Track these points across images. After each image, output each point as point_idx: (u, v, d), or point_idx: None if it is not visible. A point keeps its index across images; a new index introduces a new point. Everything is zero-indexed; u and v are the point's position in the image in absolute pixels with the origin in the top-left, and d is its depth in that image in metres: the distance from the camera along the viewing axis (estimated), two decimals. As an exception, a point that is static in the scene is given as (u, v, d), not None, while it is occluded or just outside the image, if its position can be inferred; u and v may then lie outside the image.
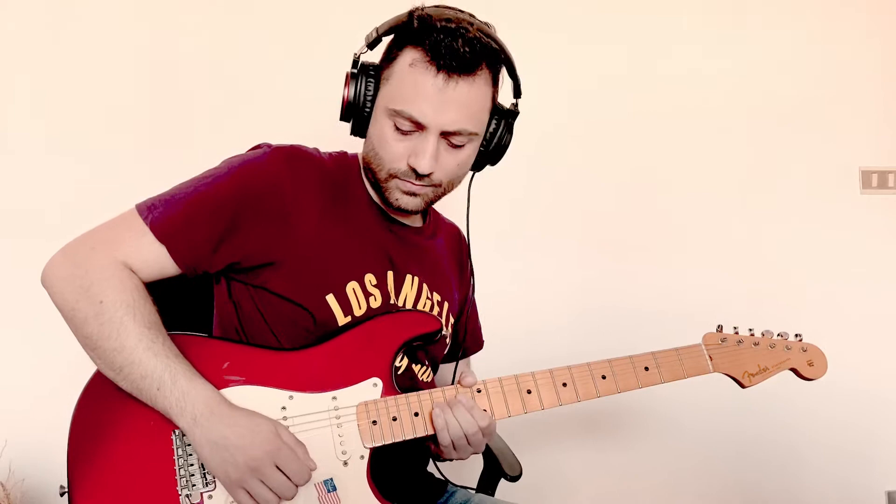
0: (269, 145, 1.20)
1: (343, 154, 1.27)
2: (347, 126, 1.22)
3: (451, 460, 1.23)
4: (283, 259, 1.14)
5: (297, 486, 1.04)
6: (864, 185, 2.39)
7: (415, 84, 1.11)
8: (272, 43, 2.09)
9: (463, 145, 1.17)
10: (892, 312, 2.37)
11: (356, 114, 1.18)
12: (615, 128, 2.28)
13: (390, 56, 1.15)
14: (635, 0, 2.31)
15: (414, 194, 1.18)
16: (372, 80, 1.16)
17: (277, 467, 1.03)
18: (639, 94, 2.29)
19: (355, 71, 1.17)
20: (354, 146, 1.25)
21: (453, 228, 1.44)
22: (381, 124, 1.15)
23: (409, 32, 1.13)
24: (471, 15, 1.18)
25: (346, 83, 1.17)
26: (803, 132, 2.37)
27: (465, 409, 1.13)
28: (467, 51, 1.10)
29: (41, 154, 1.97)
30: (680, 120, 2.31)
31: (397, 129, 1.14)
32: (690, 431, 2.27)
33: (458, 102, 1.12)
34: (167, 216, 1.10)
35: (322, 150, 1.25)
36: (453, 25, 1.11)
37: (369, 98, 1.16)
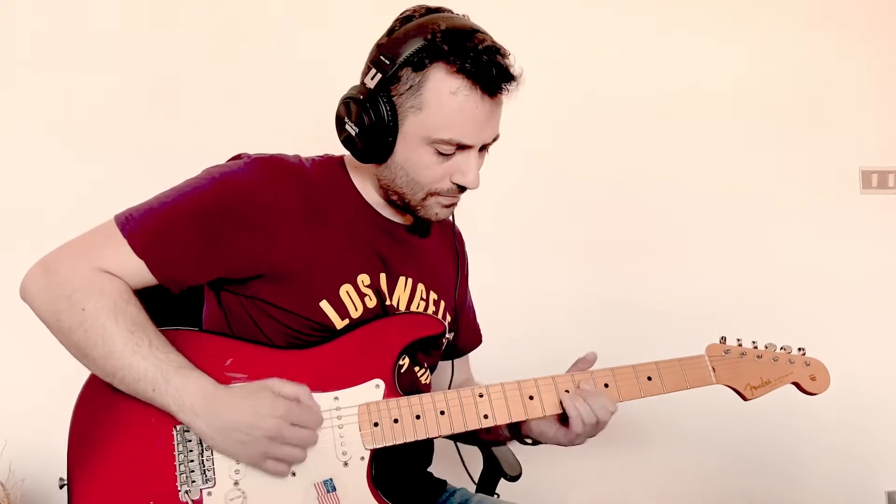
0: (248, 155, 1.18)
1: (327, 157, 1.25)
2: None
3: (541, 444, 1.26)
4: (271, 271, 1.13)
5: (316, 433, 1.06)
6: (864, 185, 2.39)
7: (460, 111, 1.09)
8: (271, 44, 2.09)
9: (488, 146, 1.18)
10: (891, 312, 2.37)
11: (372, 144, 1.12)
12: (615, 128, 2.28)
13: (410, 81, 1.09)
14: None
15: (453, 205, 1.19)
16: (389, 109, 1.10)
17: (294, 424, 1.04)
18: (638, 93, 2.29)
19: (368, 104, 1.10)
20: (343, 149, 1.23)
21: (446, 222, 1.41)
22: (418, 152, 1.12)
23: (436, 55, 1.07)
24: (464, 16, 1.15)
25: (352, 116, 1.12)
26: (803, 132, 2.37)
27: (600, 397, 1.16)
28: (505, 69, 1.09)
29: (40, 155, 1.97)
30: (680, 120, 2.31)
31: (439, 154, 1.12)
32: (691, 432, 2.28)
33: (497, 116, 1.14)
34: (145, 229, 1.08)
35: (304, 155, 1.23)
36: (483, 45, 1.07)
37: (389, 127, 1.11)
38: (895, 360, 2.36)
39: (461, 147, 1.12)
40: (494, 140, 1.17)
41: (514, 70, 1.10)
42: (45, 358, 1.81)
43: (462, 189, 1.16)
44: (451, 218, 1.33)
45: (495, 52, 1.08)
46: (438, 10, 1.14)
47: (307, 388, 1.08)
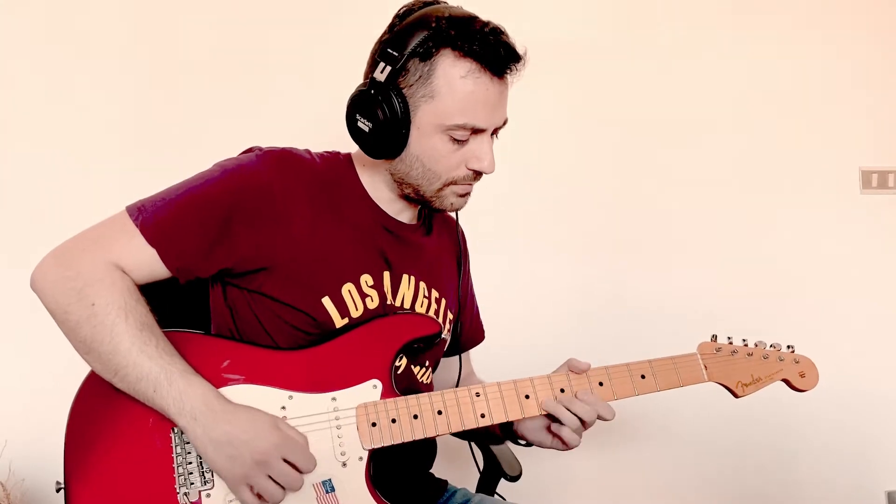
0: (259, 148, 1.19)
1: (335, 154, 1.26)
2: (344, 124, 1.18)
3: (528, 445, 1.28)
4: (276, 264, 1.13)
5: (303, 478, 1.04)
6: (864, 185, 2.39)
7: (472, 94, 1.11)
8: (272, 42, 2.09)
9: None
10: (891, 313, 2.37)
11: (386, 138, 1.13)
12: (614, 128, 2.28)
13: (419, 71, 1.11)
14: (638, 2, 2.31)
15: (468, 193, 1.20)
16: (400, 101, 1.11)
17: (284, 460, 1.03)
18: (638, 93, 2.29)
19: (379, 97, 1.11)
20: (348, 145, 1.23)
21: (451, 220, 1.42)
22: (433, 141, 1.13)
23: (442, 41, 1.09)
24: (459, 7, 1.17)
25: (364, 111, 1.13)
26: (803, 132, 2.37)
27: (585, 402, 1.17)
28: (511, 48, 1.11)
29: (38, 154, 1.97)
30: (679, 120, 2.31)
31: (454, 141, 1.13)
32: (690, 433, 2.28)
33: (506, 98, 1.16)
34: (157, 218, 1.08)
35: (314, 150, 1.24)
36: (488, 28, 1.11)
37: (402, 119, 1.11)
38: (895, 359, 2.36)
39: (475, 132, 1.13)
40: (504, 124, 1.18)
41: (519, 49, 1.13)
42: (45, 358, 1.83)
43: (477, 176, 1.18)
44: (454, 216, 1.35)
45: (500, 33, 1.12)
46: (435, 1, 1.16)
47: (307, 438, 1.08)
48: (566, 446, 1.20)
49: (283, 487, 1.03)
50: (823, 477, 2.32)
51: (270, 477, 1.02)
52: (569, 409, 1.17)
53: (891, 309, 2.37)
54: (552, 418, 1.20)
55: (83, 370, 1.08)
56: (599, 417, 1.18)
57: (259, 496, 1.03)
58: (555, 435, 1.21)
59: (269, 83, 2.08)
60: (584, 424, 1.18)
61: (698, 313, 2.25)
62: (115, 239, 1.08)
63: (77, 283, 1.04)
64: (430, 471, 1.35)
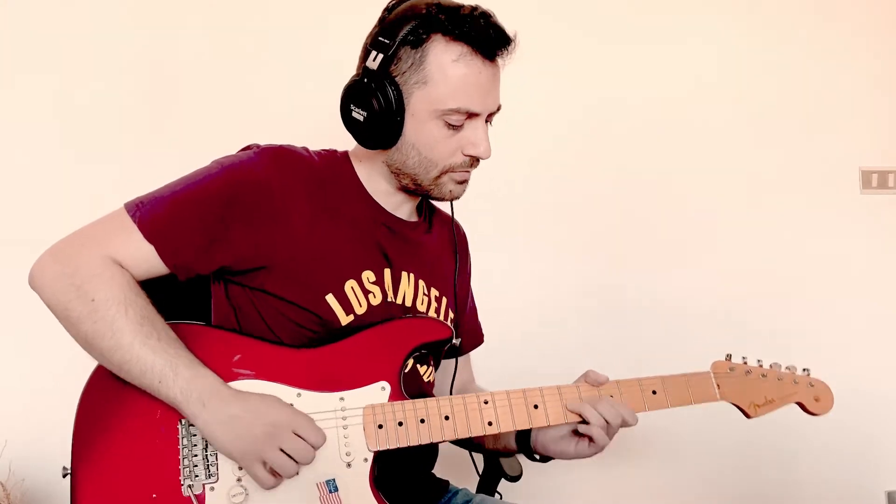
0: (257, 146, 1.18)
1: (332, 152, 1.26)
2: (341, 123, 1.18)
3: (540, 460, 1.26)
4: (276, 262, 1.13)
5: (315, 451, 1.04)
6: (864, 185, 2.39)
7: (464, 78, 1.11)
8: (271, 43, 2.09)
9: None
10: (891, 313, 2.37)
11: (381, 126, 1.13)
12: (615, 129, 2.28)
13: (411, 58, 1.11)
14: (638, 1, 2.31)
15: (465, 181, 1.20)
16: (394, 89, 1.12)
17: (295, 433, 1.03)
18: (640, 94, 2.29)
19: (373, 85, 1.12)
20: (347, 143, 1.23)
21: (448, 219, 1.40)
22: (428, 127, 1.13)
23: (433, 27, 1.10)
24: None
25: (358, 101, 1.13)
26: (803, 132, 2.37)
27: (609, 405, 1.17)
28: (502, 31, 1.12)
29: (37, 154, 1.96)
30: (680, 121, 2.31)
31: (449, 126, 1.13)
32: (691, 432, 2.27)
33: (498, 83, 1.16)
34: (155, 214, 1.08)
35: (311, 148, 1.24)
36: (478, 12, 1.11)
37: (396, 107, 1.12)
38: (895, 359, 2.36)
39: (469, 116, 1.13)
40: (498, 110, 1.19)
41: (509, 32, 1.13)
42: (45, 358, 1.82)
43: (475, 162, 1.18)
44: (451, 213, 1.34)
45: (489, 17, 1.12)
46: None
47: (313, 419, 1.08)
48: (593, 449, 1.19)
49: (295, 462, 1.03)
50: (823, 477, 2.32)
51: (282, 451, 1.02)
52: (594, 409, 1.16)
53: (891, 309, 2.37)
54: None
55: (83, 370, 1.08)
56: (623, 423, 1.17)
57: (273, 472, 1.03)
58: (581, 437, 1.19)
59: (268, 82, 2.08)
60: (609, 426, 1.17)
61: (698, 313, 2.26)
62: (114, 235, 1.08)
63: (76, 279, 1.03)
64: (432, 471, 1.35)
